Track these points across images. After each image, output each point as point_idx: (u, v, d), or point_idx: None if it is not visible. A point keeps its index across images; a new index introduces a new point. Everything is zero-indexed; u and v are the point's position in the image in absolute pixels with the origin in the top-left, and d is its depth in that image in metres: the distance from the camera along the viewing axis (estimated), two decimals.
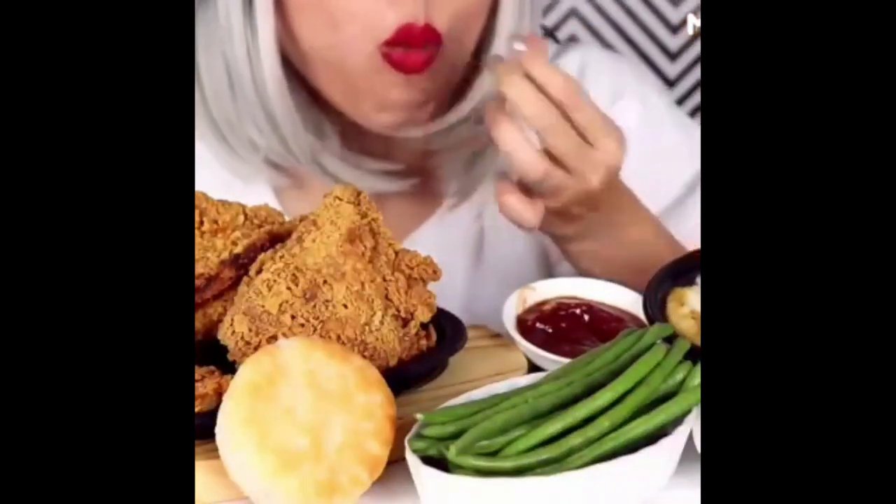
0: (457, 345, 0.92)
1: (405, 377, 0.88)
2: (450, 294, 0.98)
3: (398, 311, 0.89)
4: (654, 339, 0.82)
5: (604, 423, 0.76)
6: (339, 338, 0.85)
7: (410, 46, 1.06)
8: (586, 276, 1.06)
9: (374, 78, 1.08)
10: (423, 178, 1.21)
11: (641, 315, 0.94)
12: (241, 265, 0.90)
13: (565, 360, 0.88)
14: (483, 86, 1.13)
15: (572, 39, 1.83)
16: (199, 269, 0.89)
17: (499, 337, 0.99)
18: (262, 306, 0.85)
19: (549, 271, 1.25)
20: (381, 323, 0.87)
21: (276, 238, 0.91)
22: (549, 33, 1.83)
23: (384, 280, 0.89)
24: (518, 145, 0.98)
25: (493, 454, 0.75)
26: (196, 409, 0.81)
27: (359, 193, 0.90)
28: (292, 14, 1.09)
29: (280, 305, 0.85)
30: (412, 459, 0.76)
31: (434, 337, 0.91)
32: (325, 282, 0.86)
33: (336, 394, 0.78)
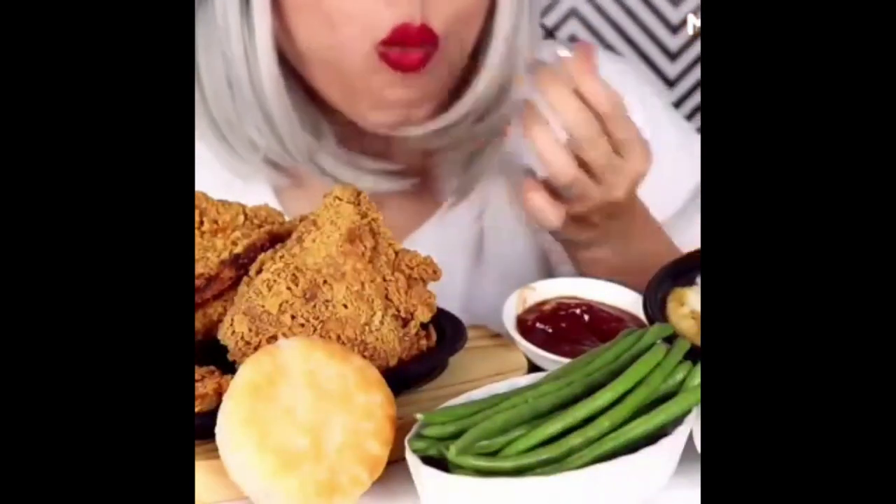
0: (457, 345, 0.92)
1: (405, 377, 0.88)
2: (450, 294, 0.99)
3: (398, 311, 0.89)
4: (654, 339, 0.82)
5: (604, 423, 0.76)
6: (339, 338, 0.85)
7: (407, 46, 1.06)
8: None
9: (371, 77, 1.08)
10: (423, 178, 1.21)
11: (641, 315, 0.94)
12: (241, 265, 0.90)
13: (565, 360, 0.88)
14: (481, 85, 1.14)
15: (572, 39, 1.83)
16: (199, 269, 0.89)
17: (499, 337, 0.99)
18: (262, 306, 0.85)
19: (549, 271, 1.25)
20: (381, 323, 0.87)
21: (276, 238, 0.91)
22: (550, 33, 1.83)
23: (384, 280, 0.89)
24: (552, 147, 1.00)
25: (493, 454, 0.75)
26: (196, 409, 0.81)
27: (359, 193, 0.90)
28: (289, 14, 1.09)
29: (280, 305, 0.85)
30: (412, 459, 0.76)
31: (434, 337, 0.91)
32: (325, 282, 0.86)
33: (336, 394, 0.78)
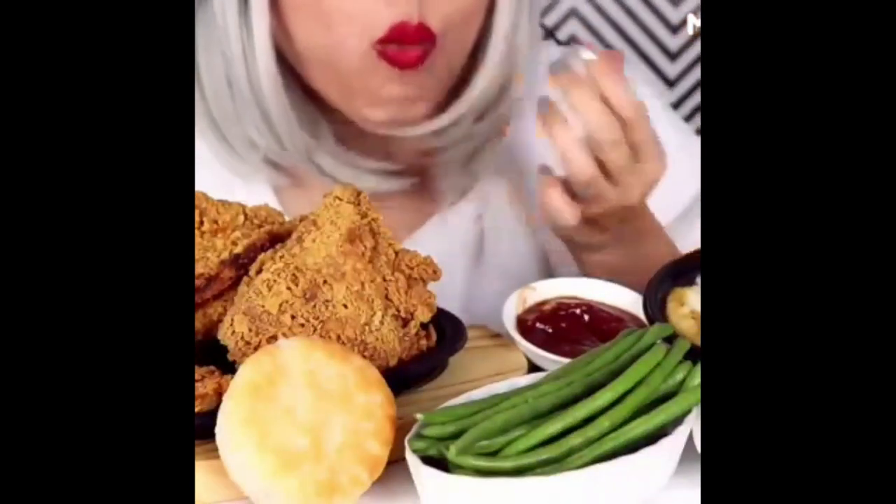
0: (457, 345, 0.92)
1: (405, 377, 0.88)
2: (450, 294, 0.99)
3: (398, 311, 0.89)
4: (654, 339, 0.82)
5: (604, 423, 0.76)
6: (339, 338, 0.85)
7: (404, 44, 1.06)
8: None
9: (369, 75, 1.08)
10: (423, 178, 1.21)
11: (641, 315, 0.94)
12: (241, 265, 0.90)
13: (565, 360, 0.88)
14: (481, 84, 1.14)
15: (572, 39, 1.83)
16: (199, 269, 0.89)
17: (499, 337, 0.99)
18: (262, 306, 0.85)
19: (549, 271, 1.25)
20: (381, 323, 0.87)
21: (276, 238, 0.91)
22: (550, 33, 1.83)
23: (384, 280, 0.89)
24: (573, 146, 1.00)
25: (493, 454, 0.75)
26: (196, 409, 0.81)
27: (359, 193, 0.90)
28: (287, 13, 1.09)
29: (280, 305, 0.85)
30: (412, 459, 0.76)
31: (434, 337, 0.91)
32: (325, 282, 0.86)
33: (336, 394, 0.78)
